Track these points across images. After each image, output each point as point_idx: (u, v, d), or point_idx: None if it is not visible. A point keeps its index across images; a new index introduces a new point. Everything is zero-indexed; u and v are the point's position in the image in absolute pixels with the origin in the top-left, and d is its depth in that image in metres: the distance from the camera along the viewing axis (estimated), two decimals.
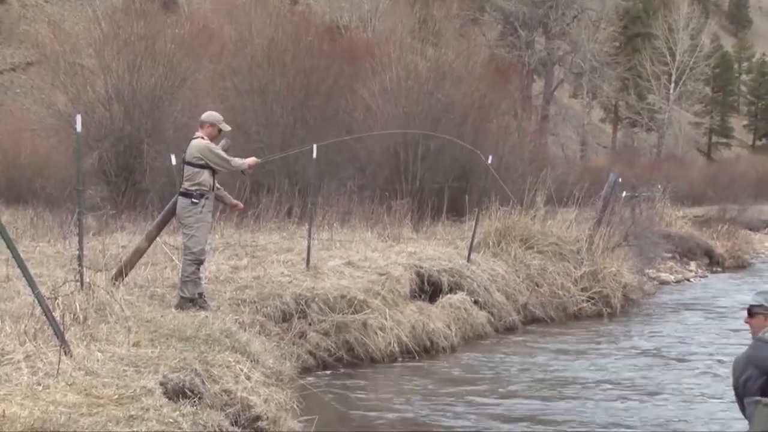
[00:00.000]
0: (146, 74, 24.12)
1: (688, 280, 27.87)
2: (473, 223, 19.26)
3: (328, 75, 25.96)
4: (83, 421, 6.20)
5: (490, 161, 19.26)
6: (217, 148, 11.81)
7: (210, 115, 12.24)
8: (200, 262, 11.90)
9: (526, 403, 11.83)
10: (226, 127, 12.14)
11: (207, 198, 11.76)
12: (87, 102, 24.02)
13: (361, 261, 16.38)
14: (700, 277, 28.80)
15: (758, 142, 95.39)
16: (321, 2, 58.45)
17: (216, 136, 12.01)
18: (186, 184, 11.77)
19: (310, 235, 15.60)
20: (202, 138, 11.82)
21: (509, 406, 11.66)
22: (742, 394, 5.48)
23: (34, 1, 54.91)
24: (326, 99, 25.88)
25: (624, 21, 78.26)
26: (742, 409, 5.50)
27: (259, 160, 13.09)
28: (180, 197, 11.84)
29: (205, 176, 11.70)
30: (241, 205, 13.34)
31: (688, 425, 10.59)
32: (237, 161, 11.99)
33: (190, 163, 11.72)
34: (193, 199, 11.70)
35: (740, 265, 32.08)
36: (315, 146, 15.87)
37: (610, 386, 12.86)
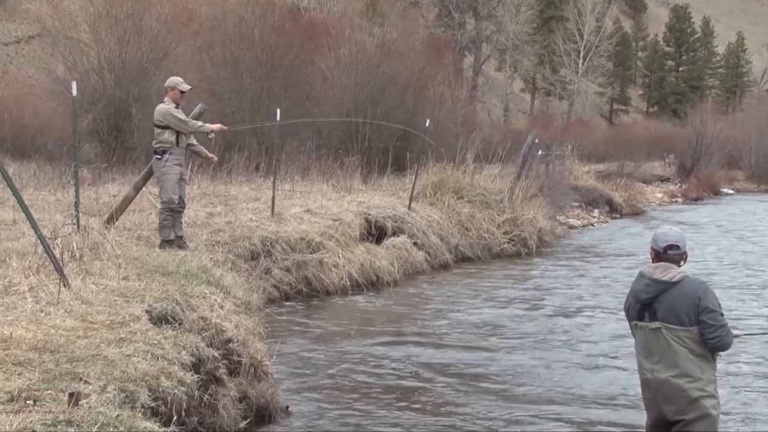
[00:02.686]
0: (134, 47, 23.69)
1: (592, 224, 28.19)
2: (413, 177, 19.30)
3: (290, 50, 25.74)
4: (79, 342, 6.17)
5: (427, 124, 19.29)
6: (177, 111, 11.57)
7: (170, 80, 11.98)
8: (172, 209, 11.64)
9: (439, 337, 11.94)
10: (186, 87, 11.82)
11: (170, 153, 11.55)
12: (82, 71, 23.55)
13: (318, 209, 16.37)
14: (602, 222, 29.12)
15: (651, 109, 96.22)
16: None
17: (179, 97, 11.73)
18: (153, 143, 11.67)
19: (274, 187, 15.58)
20: (165, 103, 11.64)
21: (431, 336, 11.79)
22: (628, 319, 5.65)
23: None
24: (289, 70, 25.66)
25: (541, 5, 78.31)
26: (633, 332, 5.66)
27: (225, 127, 12.84)
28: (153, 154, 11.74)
29: (166, 135, 11.52)
30: (215, 158, 12.94)
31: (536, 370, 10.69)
32: (195, 123, 11.76)
33: (155, 125, 11.62)
34: (156, 155, 11.61)
35: (635, 212, 32.51)
36: (278, 111, 15.78)
37: (508, 328, 12.99)
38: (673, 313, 5.34)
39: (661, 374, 5.40)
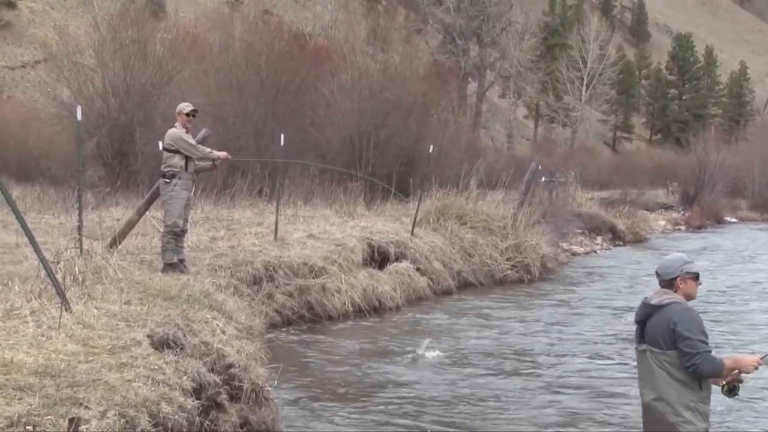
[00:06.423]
0: (138, 72, 23.84)
1: (595, 251, 28.09)
2: (417, 202, 19.29)
3: (295, 75, 25.83)
4: (81, 367, 6.13)
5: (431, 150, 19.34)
6: (188, 136, 11.66)
7: (179, 106, 12.09)
8: (175, 233, 11.67)
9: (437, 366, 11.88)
10: (188, 108, 11.79)
11: (179, 178, 11.59)
12: (87, 95, 23.67)
13: (321, 234, 16.34)
14: (605, 249, 29.03)
15: (654, 137, 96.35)
16: (289, 13, 57.96)
17: (186, 121, 11.79)
18: (162, 167, 11.71)
19: (277, 212, 15.56)
20: (176, 128, 11.69)
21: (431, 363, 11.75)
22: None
23: (41, 7, 54.05)
24: (294, 95, 25.72)
25: (544, 33, 78.94)
26: None
27: (230, 156, 12.82)
28: (161, 178, 11.76)
29: (176, 159, 11.57)
30: (227, 155, 12.43)
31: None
32: (204, 149, 11.83)
33: (165, 149, 11.66)
34: (165, 179, 11.63)
35: (638, 240, 32.39)
36: (282, 136, 15.81)
37: (507, 353, 12.92)
38: (653, 336, 5.39)
39: (646, 397, 5.45)
